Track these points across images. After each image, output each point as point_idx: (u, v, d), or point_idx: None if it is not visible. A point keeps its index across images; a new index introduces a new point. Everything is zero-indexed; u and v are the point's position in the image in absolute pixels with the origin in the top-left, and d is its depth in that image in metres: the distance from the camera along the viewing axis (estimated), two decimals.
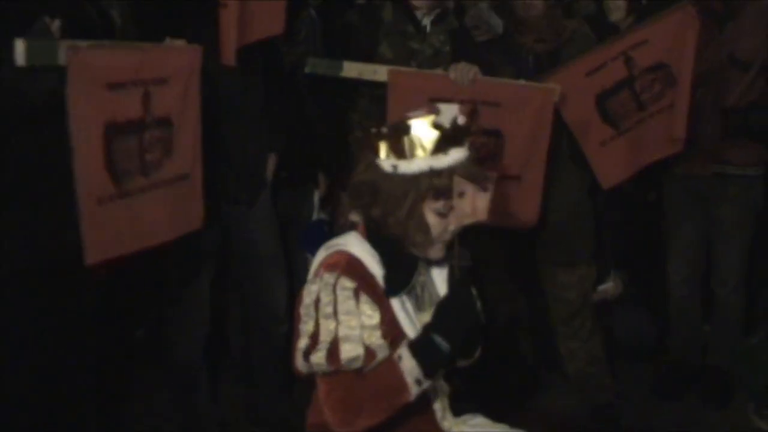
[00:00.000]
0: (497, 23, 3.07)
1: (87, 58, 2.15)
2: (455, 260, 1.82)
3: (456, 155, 1.79)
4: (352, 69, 2.91)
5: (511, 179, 2.89)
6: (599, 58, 2.95)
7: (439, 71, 2.88)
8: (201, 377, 3.05)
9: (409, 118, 1.81)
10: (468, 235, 1.86)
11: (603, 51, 2.96)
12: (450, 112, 1.82)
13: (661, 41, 2.98)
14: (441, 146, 1.78)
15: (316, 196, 3.31)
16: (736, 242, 3.27)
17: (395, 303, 1.83)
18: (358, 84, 2.99)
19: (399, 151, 1.78)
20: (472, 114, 2.81)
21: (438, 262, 1.92)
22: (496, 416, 2.06)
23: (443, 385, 1.96)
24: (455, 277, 1.83)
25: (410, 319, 1.84)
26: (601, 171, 3.04)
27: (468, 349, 1.95)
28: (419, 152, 1.78)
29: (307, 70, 2.96)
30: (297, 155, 3.15)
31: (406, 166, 1.78)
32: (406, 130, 1.78)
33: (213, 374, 3.20)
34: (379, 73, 2.86)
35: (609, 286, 3.55)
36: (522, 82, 2.89)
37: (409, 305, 1.85)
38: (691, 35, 2.94)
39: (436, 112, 1.82)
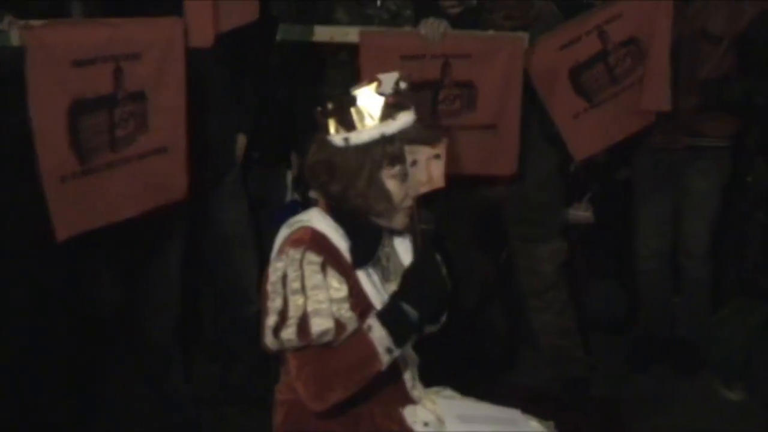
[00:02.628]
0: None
1: (44, 36, 2.14)
2: (418, 225, 1.82)
3: (404, 119, 1.80)
4: (323, 33, 2.91)
5: (487, 128, 2.94)
6: (574, 32, 2.96)
7: (408, 28, 2.89)
8: (174, 356, 3.05)
9: (352, 90, 1.81)
10: (437, 207, 1.86)
11: (577, 25, 2.97)
12: (391, 80, 1.82)
13: (634, 15, 3.00)
14: (388, 112, 1.78)
15: (289, 177, 3.30)
16: (705, 214, 3.30)
17: (361, 275, 1.84)
18: (323, 56, 2.98)
19: (348, 123, 1.79)
20: (444, 68, 2.86)
21: (400, 232, 1.92)
22: (466, 390, 2.08)
23: (413, 355, 1.97)
24: (419, 244, 1.84)
25: (377, 291, 1.85)
26: (573, 143, 3.06)
27: (440, 309, 1.95)
28: (368, 121, 1.78)
29: (279, 37, 2.95)
30: (269, 136, 3.14)
31: (357, 137, 1.79)
32: (352, 101, 1.79)
33: (186, 353, 3.20)
34: (350, 34, 2.87)
35: (586, 215, 3.60)
36: (491, 32, 2.92)
37: (375, 277, 1.86)
38: (665, 9, 2.97)
39: (377, 81, 1.82)
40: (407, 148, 1.77)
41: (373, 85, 1.80)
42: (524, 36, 2.89)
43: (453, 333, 2.12)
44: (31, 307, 2.54)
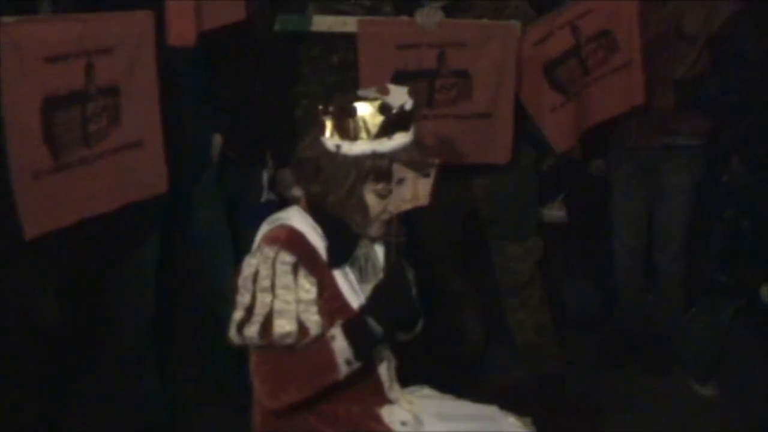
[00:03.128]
0: None
1: (16, 33, 2.11)
2: (392, 237, 1.82)
3: (400, 140, 1.79)
4: (321, 23, 2.91)
5: (482, 117, 2.96)
6: (546, 28, 2.99)
7: (405, 17, 2.90)
8: (148, 356, 3.02)
9: (359, 98, 1.80)
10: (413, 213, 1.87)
11: (550, 21, 3.00)
12: (400, 96, 1.81)
13: (604, 9, 3.04)
14: (385, 130, 1.77)
15: (265, 177, 3.28)
16: (680, 212, 3.33)
17: (338, 274, 1.84)
18: (297, 53, 3.00)
19: (343, 131, 1.78)
20: (440, 57, 2.87)
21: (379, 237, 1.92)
22: (443, 388, 2.08)
23: (390, 356, 1.97)
24: (391, 259, 1.83)
25: (353, 290, 1.85)
26: (552, 137, 3.08)
27: (407, 326, 1.96)
28: (363, 135, 1.77)
29: (276, 27, 2.94)
30: (246, 135, 3.12)
31: (349, 148, 1.78)
32: (352, 111, 1.77)
33: (161, 353, 3.17)
34: (349, 24, 2.87)
35: (560, 214, 3.64)
36: (485, 21, 2.93)
37: (352, 276, 1.86)
38: (633, 4, 3.02)
39: (386, 93, 1.82)
40: (396, 167, 1.77)
41: (379, 101, 1.78)
42: (517, 24, 2.90)
43: (429, 330, 2.12)
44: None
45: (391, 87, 1.85)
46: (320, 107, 1.83)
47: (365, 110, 1.77)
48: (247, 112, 3.10)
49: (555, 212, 3.83)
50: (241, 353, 1.87)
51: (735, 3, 3.15)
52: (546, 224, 3.69)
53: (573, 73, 3.06)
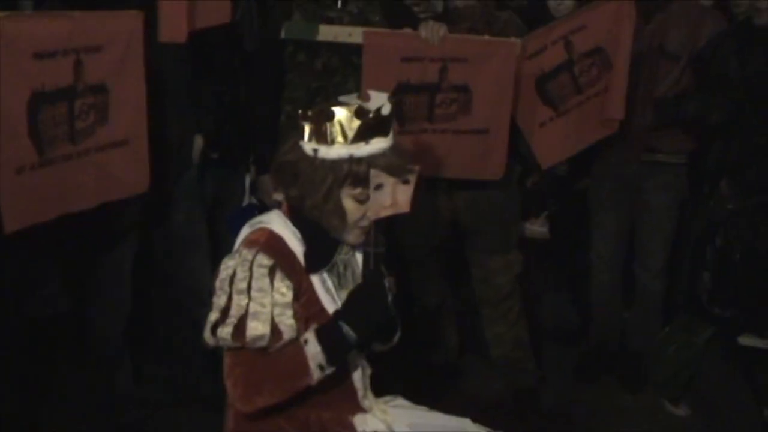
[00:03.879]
0: (437, 2, 3.11)
1: (6, 28, 2.11)
2: (370, 246, 1.82)
3: (378, 145, 1.79)
4: (327, 32, 2.93)
5: (479, 133, 2.98)
6: (539, 42, 3.00)
7: (409, 30, 2.91)
8: (123, 356, 3.01)
9: (339, 104, 1.81)
10: (395, 219, 1.87)
11: (543, 34, 3.01)
12: (378, 100, 1.82)
13: (598, 26, 3.05)
14: (362, 135, 1.78)
15: (248, 180, 3.28)
16: (662, 229, 3.34)
17: (316, 280, 1.84)
18: (283, 58, 3.02)
19: (321, 135, 1.79)
20: (442, 72, 2.90)
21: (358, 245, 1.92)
22: (417, 399, 2.08)
23: (365, 365, 1.97)
24: (369, 266, 1.83)
25: (331, 297, 1.85)
26: (540, 151, 3.11)
27: (383, 336, 1.97)
28: (340, 139, 1.78)
29: (283, 35, 2.95)
30: (229, 137, 3.12)
31: (326, 152, 1.79)
32: (330, 116, 1.78)
33: (136, 353, 3.16)
34: (354, 35, 2.90)
35: (542, 230, 3.68)
36: (486, 37, 2.96)
37: (330, 283, 1.86)
38: (628, 23, 3.02)
39: (367, 99, 1.82)
40: (373, 172, 1.77)
41: (355, 106, 1.79)
42: (517, 42, 2.93)
43: (405, 341, 2.13)
44: None
45: (372, 93, 1.85)
46: (300, 111, 1.84)
47: (342, 114, 1.78)
48: (231, 116, 3.10)
49: (537, 228, 3.85)
50: (215, 354, 1.86)
51: (718, 22, 3.19)
52: (527, 239, 3.71)
53: (564, 88, 3.08)
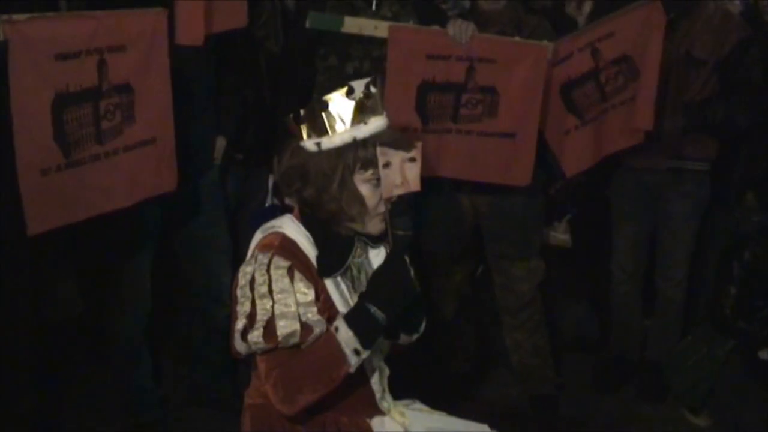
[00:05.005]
0: (466, 2, 3.09)
1: (28, 30, 2.12)
2: (393, 230, 1.82)
3: (376, 124, 1.82)
4: (352, 25, 2.87)
5: (506, 136, 2.93)
6: (566, 49, 2.96)
7: (437, 27, 2.88)
8: (142, 355, 3.03)
9: (323, 97, 1.82)
10: (417, 215, 1.86)
11: (570, 41, 2.98)
12: (361, 84, 1.83)
13: (626, 34, 3.01)
14: (359, 117, 1.80)
15: (271, 181, 3.29)
16: (684, 238, 3.31)
17: (329, 284, 1.84)
18: (313, 61, 3.00)
19: (319, 128, 1.81)
20: (469, 72, 2.85)
21: (376, 244, 1.92)
22: (436, 403, 2.08)
23: (383, 367, 1.97)
24: (392, 248, 1.84)
25: (345, 300, 1.85)
26: (564, 159, 3.07)
27: (411, 324, 1.96)
28: (339, 125, 1.80)
29: (308, 25, 2.90)
30: (252, 139, 3.13)
31: (329, 142, 1.81)
32: (323, 106, 1.80)
33: (155, 353, 3.17)
34: (379, 28, 2.84)
35: (564, 237, 3.64)
36: (517, 39, 2.91)
37: (344, 286, 1.87)
38: (657, 31, 2.98)
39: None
40: (379, 150, 1.78)
41: (344, 90, 1.81)
42: (549, 45, 2.87)
43: (425, 346, 2.13)
44: None
45: (352, 82, 1.85)
46: (290, 116, 1.85)
47: (335, 102, 1.80)
48: (255, 118, 3.11)
49: (559, 235, 3.82)
50: (234, 357, 1.86)
51: (744, 28, 3.16)
52: (548, 246, 3.69)
53: (590, 97, 3.04)
